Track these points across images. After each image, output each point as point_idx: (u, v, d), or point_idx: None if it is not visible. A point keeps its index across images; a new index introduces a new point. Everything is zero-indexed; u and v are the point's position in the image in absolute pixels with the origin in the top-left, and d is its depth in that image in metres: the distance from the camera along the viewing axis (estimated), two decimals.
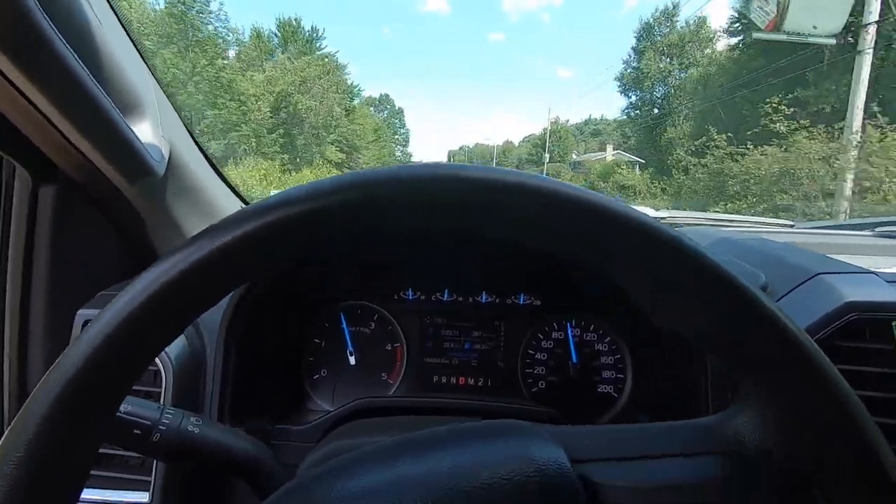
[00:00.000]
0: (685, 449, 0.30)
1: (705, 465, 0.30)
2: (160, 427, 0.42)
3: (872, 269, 0.66)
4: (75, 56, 0.44)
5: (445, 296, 0.79)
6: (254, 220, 0.24)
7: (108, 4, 0.60)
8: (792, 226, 1.15)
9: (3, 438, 0.23)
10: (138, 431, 0.42)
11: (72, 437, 0.23)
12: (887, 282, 0.55)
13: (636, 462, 0.29)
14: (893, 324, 0.50)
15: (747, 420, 0.30)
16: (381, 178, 0.25)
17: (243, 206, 0.94)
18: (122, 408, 0.42)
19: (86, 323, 0.62)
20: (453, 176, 0.25)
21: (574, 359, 0.75)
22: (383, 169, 0.25)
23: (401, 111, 50.90)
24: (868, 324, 0.50)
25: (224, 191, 0.86)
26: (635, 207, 0.29)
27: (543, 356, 0.77)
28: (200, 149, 0.78)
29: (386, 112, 48.84)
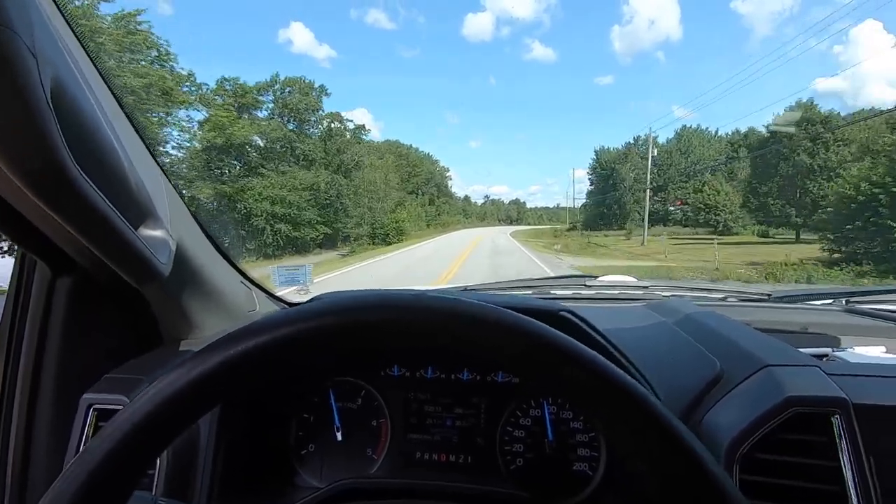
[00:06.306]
0: None
1: None
2: None
3: (821, 359, 0.70)
4: (93, 186, 0.50)
5: (429, 373, 0.83)
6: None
7: (122, 112, 0.68)
8: (769, 296, 1.19)
9: None
10: None
11: None
12: (829, 374, 0.59)
13: None
14: (832, 418, 0.54)
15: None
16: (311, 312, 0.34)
17: (247, 286, 1.00)
18: None
19: (90, 406, 0.67)
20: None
21: (550, 437, 0.78)
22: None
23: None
24: (808, 418, 0.54)
25: (232, 276, 0.93)
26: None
27: (521, 434, 0.79)
28: (210, 238, 0.85)
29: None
